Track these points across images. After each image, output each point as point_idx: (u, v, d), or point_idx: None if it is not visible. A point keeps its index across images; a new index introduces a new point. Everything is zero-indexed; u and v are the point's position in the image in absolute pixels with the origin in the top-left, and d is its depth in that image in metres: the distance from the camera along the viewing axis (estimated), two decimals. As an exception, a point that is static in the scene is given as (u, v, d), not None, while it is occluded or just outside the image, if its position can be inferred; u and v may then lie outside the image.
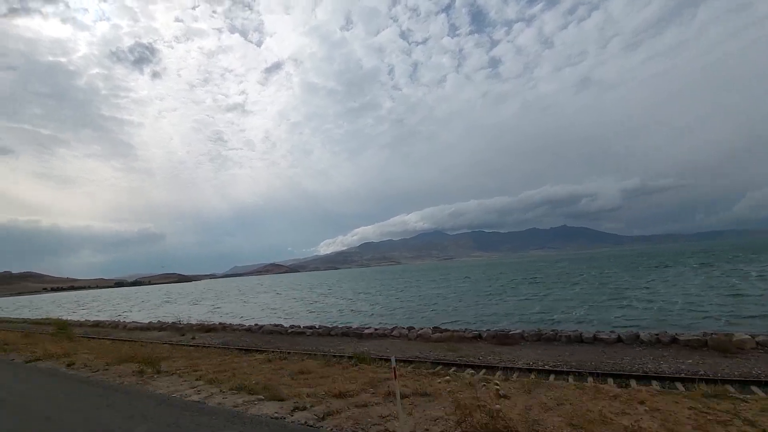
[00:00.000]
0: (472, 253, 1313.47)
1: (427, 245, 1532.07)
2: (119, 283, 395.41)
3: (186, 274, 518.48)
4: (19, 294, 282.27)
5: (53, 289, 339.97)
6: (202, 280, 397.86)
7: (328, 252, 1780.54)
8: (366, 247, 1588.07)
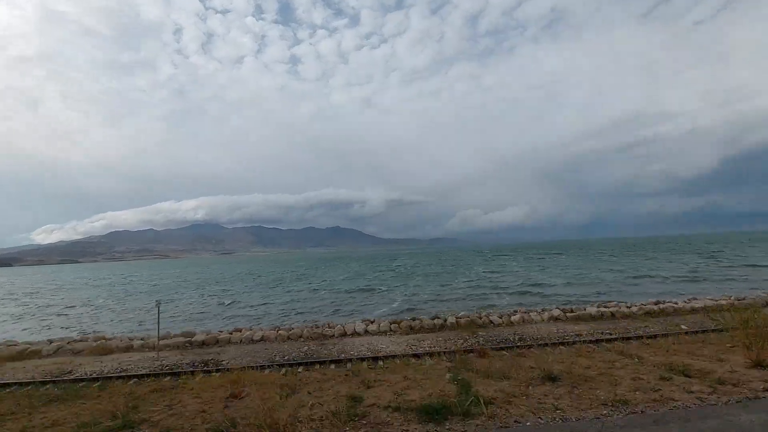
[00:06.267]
0: (252, 249, 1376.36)
1: (200, 238, 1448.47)
2: None
3: None
4: None
5: None
6: None
7: (52, 240, 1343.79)
8: (117, 236, 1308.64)
